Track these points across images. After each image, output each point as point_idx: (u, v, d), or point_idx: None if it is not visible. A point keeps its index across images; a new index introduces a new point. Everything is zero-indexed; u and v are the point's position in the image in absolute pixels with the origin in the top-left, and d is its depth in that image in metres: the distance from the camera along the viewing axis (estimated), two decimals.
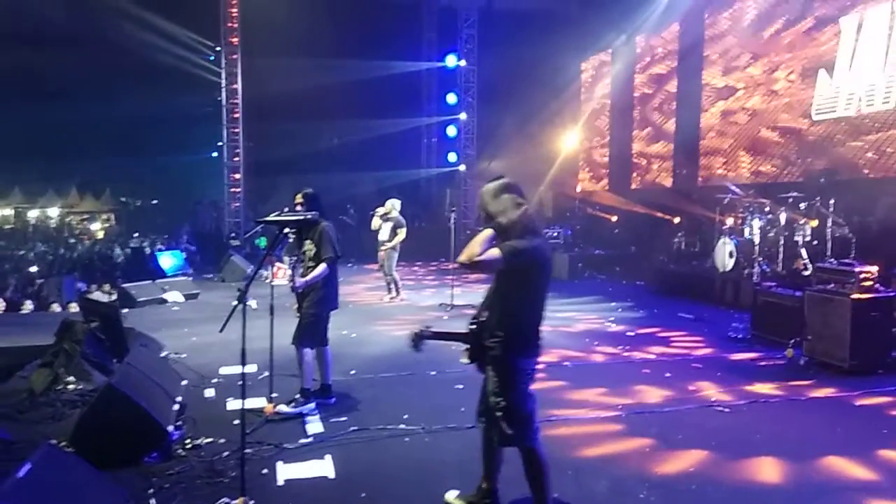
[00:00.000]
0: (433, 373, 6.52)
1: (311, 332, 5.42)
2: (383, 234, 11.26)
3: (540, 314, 3.47)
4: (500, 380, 3.38)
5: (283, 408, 5.30)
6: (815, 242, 9.93)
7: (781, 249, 10.42)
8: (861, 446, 4.67)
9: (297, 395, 5.40)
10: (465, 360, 3.58)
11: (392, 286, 11.46)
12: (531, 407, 3.43)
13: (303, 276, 5.43)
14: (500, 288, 3.42)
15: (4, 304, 12.69)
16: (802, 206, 10.18)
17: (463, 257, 3.27)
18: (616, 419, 5.33)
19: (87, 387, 5.76)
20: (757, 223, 10.73)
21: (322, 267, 5.35)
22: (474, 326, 3.52)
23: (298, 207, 5.47)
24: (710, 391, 6.06)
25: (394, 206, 11.36)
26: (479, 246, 3.24)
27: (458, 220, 12.61)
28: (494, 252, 3.24)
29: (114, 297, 11.58)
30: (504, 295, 3.40)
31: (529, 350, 3.43)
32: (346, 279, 12.47)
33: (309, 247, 5.47)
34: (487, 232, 3.29)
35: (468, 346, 3.54)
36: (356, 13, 21.34)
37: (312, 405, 5.46)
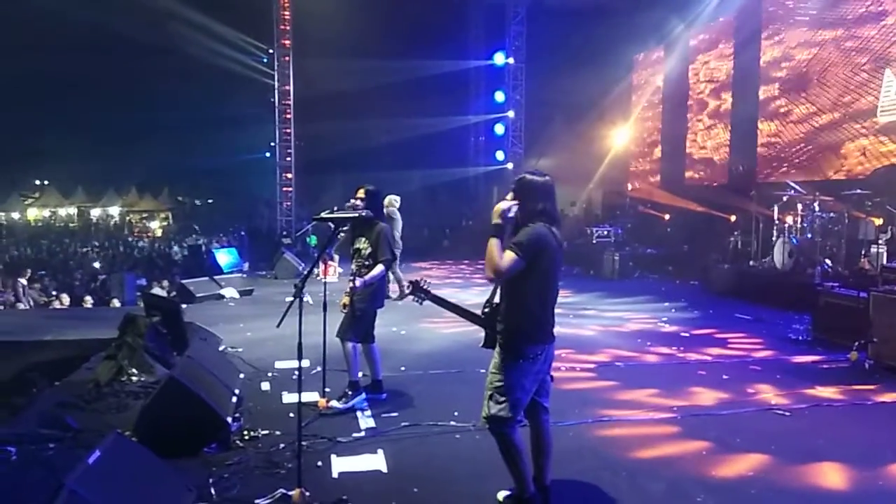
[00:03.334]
0: (482, 370, 6.47)
1: (358, 326, 5.47)
2: None
3: (550, 299, 3.58)
4: (504, 359, 3.50)
5: (335, 404, 5.37)
6: (881, 241, 9.51)
7: (844, 248, 10.03)
8: None
9: (347, 390, 5.48)
10: (482, 345, 3.70)
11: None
12: (522, 397, 3.50)
13: (356, 272, 5.50)
14: None
15: (69, 298, 13.30)
16: (867, 203, 9.77)
17: (489, 272, 3.45)
18: (671, 421, 5.22)
19: (150, 379, 5.95)
20: (818, 221, 10.35)
21: (380, 268, 5.41)
22: (487, 310, 3.66)
23: (359, 202, 5.50)
24: (770, 394, 5.88)
25: (391, 202, 10.81)
26: (497, 254, 3.38)
27: None
28: (510, 255, 3.37)
29: (173, 293, 11.95)
30: (514, 281, 3.47)
31: (539, 335, 3.53)
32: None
33: (364, 245, 5.51)
34: (492, 240, 3.41)
35: (483, 329, 3.68)
36: (404, 13, 21.50)
37: (362, 395, 5.54)
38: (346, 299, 5.50)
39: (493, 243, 3.41)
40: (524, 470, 3.56)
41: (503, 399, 3.47)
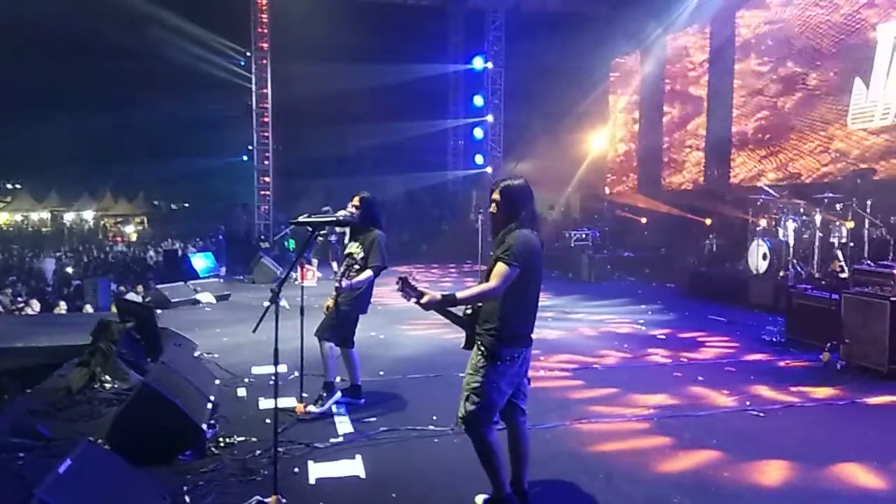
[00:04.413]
0: (461, 374, 6.46)
1: (338, 327, 5.44)
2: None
3: (531, 303, 3.59)
4: (482, 361, 3.51)
5: (312, 408, 5.34)
6: (852, 244, 9.69)
7: (816, 251, 10.21)
8: None
9: (322, 392, 5.45)
10: (463, 347, 3.70)
11: None
12: (497, 399, 3.52)
13: (344, 275, 5.47)
14: None
15: (39, 304, 13.03)
16: (838, 207, 9.96)
17: (492, 298, 3.45)
18: (649, 423, 5.26)
19: (123, 385, 5.85)
20: (791, 224, 10.52)
21: (368, 273, 5.38)
22: (469, 311, 3.63)
23: (353, 209, 5.49)
24: (744, 395, 5.95)
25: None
26: (482, 288, 3.45)
27: (484, 223, 12.57)
28: (502, 268, 3.39)
29: (148, 299, 11.78)
30: None
31: (518, 338, 3.55)
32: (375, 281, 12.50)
33: (357, 249, 5.49)
34: (461, 296, 3.44)
35: (464, 330, 3.66)
36: (383, 17, 21.53)
37: (338, 394, 5.52)
38: (330, 301, 5.48)
39: (469, 294, 3.45)
40: (500, 470, 3.57)
41: (479, 400, 3.49)
